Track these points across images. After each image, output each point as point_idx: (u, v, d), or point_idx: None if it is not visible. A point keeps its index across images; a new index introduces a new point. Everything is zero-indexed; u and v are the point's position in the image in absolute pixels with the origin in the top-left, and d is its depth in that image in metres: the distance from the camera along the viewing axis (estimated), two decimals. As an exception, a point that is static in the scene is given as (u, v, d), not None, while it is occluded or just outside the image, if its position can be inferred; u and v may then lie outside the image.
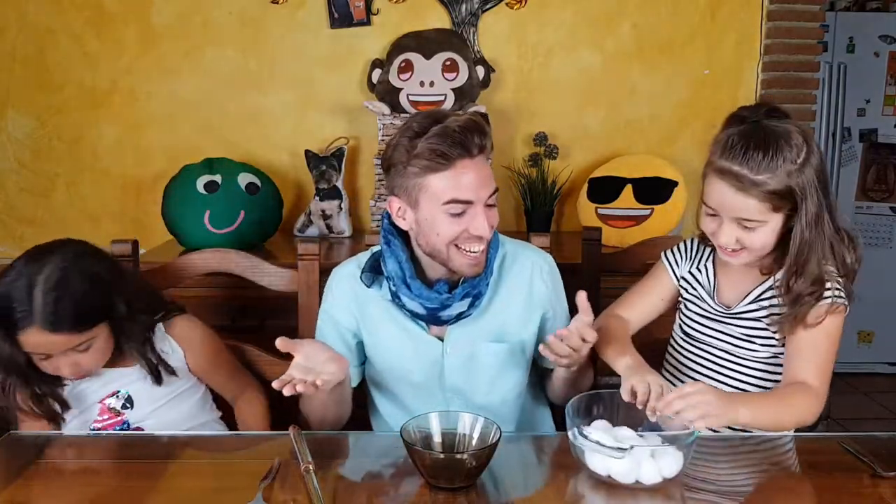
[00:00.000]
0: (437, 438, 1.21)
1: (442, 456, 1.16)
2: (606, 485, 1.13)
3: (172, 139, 2.78)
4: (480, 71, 2.64)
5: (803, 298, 1.33)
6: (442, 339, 1.48)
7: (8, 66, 2.74)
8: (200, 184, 2.39)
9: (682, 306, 1.54)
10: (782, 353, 1.41)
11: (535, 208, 2.73)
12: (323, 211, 2.63)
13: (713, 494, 1.17)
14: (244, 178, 2.45)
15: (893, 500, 1.12)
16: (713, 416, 1.17)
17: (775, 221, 1.32)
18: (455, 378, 1.49)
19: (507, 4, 2.76)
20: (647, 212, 2.49)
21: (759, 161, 1.28)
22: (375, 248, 1.50)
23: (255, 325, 2.27)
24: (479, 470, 1.13)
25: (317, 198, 2.64)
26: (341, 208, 2.64)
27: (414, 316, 1.45)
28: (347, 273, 1.52)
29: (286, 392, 1.23)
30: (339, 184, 2.63)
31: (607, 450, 1.11)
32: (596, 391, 1.28)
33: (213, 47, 2.75)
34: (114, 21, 2.73)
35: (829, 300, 1.33)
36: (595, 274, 1.93)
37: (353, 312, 1.51)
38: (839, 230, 1.36)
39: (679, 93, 2.81)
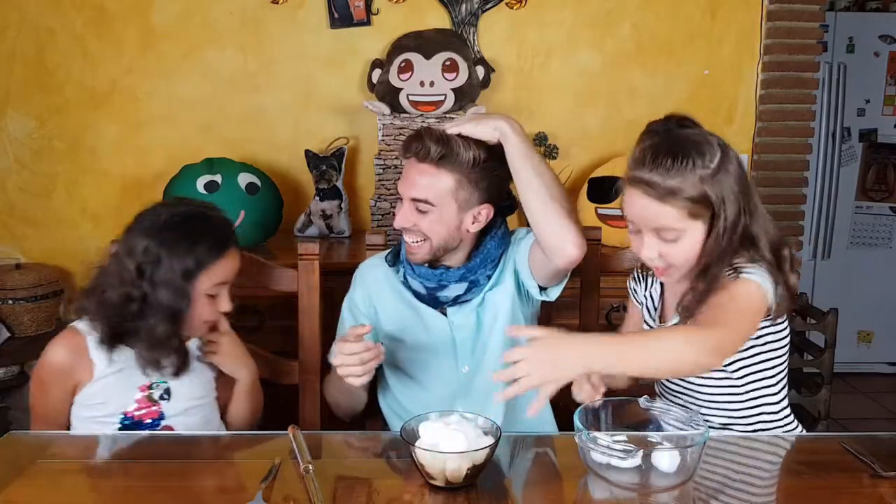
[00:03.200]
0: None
1: (442, 456, 1.16)
2: (607, 485, 1.13)
3: (172, 139, 2.78)
4: (480, 71, 2.64)
5: (700, 294, 1.28)
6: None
7: (8, 66, 2.74)
8: (200, 184, 2.39)
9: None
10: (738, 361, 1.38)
11: (535, 208, 2.72)
12: (323, 211, 2.63)
13: (713, 494, 1.17)
14: (244, 178, 2.45)
15: (893, 500, 1.12)
16: (548, 382, 1.12)
17: (695, 231, 1.28)
18: (466, 353, 1.58)
19: (507, 4, 2.76)
20: (647, 212, 2.49)
21: (669, 167, 1.25)
22: None
23: (255, 325, 2.27)
24: (478, 470, 1.13)
25: (317, 198, 2.64)
26: (341, 208, 2.64)
27: (419, 298, 1.58)
28: (368, 265, 1.69)
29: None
30: (339, 184, 2.63)
31: (615, 452, 1.11)
32: (604, 399, 1.28)
33: (213, 47, 2.75)
34: (114, 21, 2.72)
35: (733, 273, 1.26)
36: (595, 274, 1.93)
37: (371, 302, 1.65)
38: (755, 238, 1.29)
39: (679, 93, 2.80)
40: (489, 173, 1.50)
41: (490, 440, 1.15)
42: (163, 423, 1.43)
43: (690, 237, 1.28)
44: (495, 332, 1.57)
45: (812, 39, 2.80)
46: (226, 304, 1.45)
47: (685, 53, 2.79)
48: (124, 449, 1.35)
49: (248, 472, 1.19)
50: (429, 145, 1.46)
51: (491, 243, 1.56)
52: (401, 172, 1.62)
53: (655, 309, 1.48)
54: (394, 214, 1.56)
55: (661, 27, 2.78)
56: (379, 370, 1.64)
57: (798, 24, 2.76)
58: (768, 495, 1.19)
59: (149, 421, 1.42)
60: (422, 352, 1.59)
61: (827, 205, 3.72)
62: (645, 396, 1.29)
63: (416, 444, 1.13)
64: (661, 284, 1.48)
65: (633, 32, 2.78)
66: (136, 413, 1.42)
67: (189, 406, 1.46)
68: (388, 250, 1.66)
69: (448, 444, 1.12)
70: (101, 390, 1.41)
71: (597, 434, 1.16)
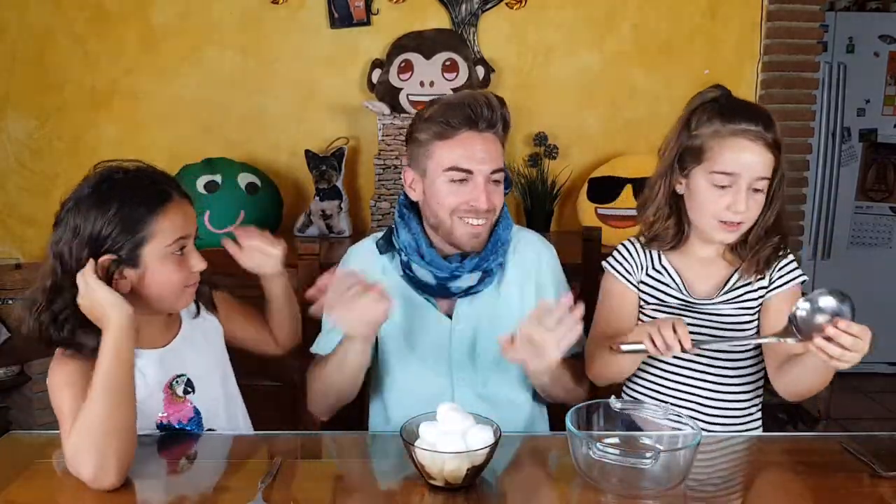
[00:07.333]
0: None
1: (441, 456, 1.16)
2: (605, 486, 1.13)
3: (172, 139, 2.78)
4: (480, 71, 2.64)
5: (765, 246, 1.37)
6: (451, 317, 1.49)
7: (8, 66, 2.74)
8: (200, 184, 2.39)
9: (643, 315, 1.46)
10: (757, 350, 1.40)
11: (534, 208, 2.73)
12: (323, 211, 2.64)
13: (713, 494, 1.17)
14: (244, 178, 2.45)
15: (893, 500, 1.12)
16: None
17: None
18: (462, 356, 1.49)
19: (507, 4, 2.76)
20: (647, 212, 2.49)
21: (762, 114, 1.32)
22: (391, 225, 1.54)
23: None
24: (478, 470, 1.13)
25: (317, 198, 2.64)
26: (341, 208, 2.64)
27: (424, 289, 1.47)
28: (363, 249, 1.55)
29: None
30: (339, 184, 2.64)
31: (630, 459, 1.11)
32: (595, 400, 1.28)
33: (213, 47, 2.75)
34: (114, 21, 2.73)
35: (800, 278, 1.40)
36: (595, 274, 1.93)
37: None
38: None
39: (679, 93, 2.79)
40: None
41: (490, 440, 1.15)
42: (205, 425, 1.38)
43: (765, 191, 1.34)
44: (502, 327, 1.45)
45: (812, 39, 2.81)
46: (198, 262, 1.32)
47: (685, 53, 2.79)
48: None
49: (248, 472, 1.19)
50: (499, 112, 1.43)
51: (501, 225, 1.48)
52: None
53: (678, 289, 1.40)
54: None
55: (661, 27, 2.78)
56: (371, 379, 1.56)
57: (798, 24, 2.76)
58: (768, 495, 1.18)
59: (186, 423, 1.36)
60: (415, 350, 1.49)
61: (827, 205, 3.72)
62: (612, 397, 1.27)
63: (416, 444, 1.13)
64: (672, 265, 1.42)
65: (633, 32, 2.78)
66: (169, 416, 1.34)
67: (214, 396, 1.40)
68: (375, 237, 1.54)
69: (447, 444, 1.12)
70: None
71: (599, 444, 1.13)
